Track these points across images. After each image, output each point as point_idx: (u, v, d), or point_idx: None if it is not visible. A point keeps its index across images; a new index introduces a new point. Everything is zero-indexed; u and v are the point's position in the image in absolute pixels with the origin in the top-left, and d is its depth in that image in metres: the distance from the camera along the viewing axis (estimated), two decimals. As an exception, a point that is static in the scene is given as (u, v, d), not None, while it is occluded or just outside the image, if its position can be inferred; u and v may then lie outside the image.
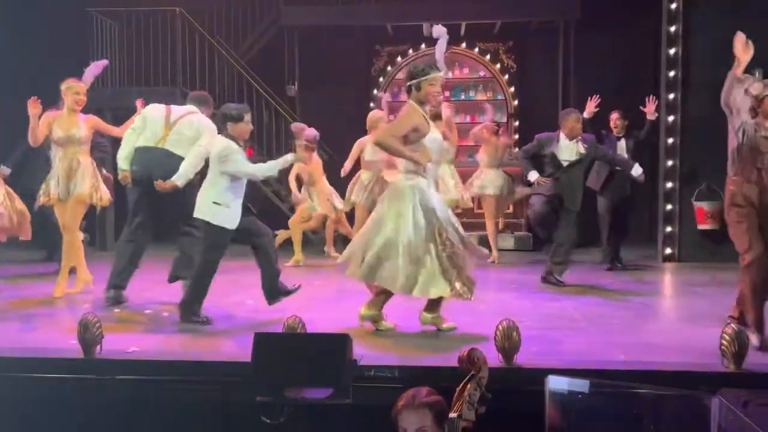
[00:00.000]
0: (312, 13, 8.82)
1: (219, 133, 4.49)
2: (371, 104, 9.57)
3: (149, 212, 4.82)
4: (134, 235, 4.87)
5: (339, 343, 2.81)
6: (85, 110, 5.35)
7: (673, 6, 7.09)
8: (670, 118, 7.12)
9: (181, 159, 4.60)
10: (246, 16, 9.17)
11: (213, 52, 8.47)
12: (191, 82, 8.38)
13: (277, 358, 2.82)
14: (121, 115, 5.94)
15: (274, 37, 9.13)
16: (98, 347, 3.21)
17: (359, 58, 9.54)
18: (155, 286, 5.29)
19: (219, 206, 4.12)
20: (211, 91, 7.41)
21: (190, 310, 4.19)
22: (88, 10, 8.40)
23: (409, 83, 3.90)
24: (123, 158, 4.77)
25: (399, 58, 9.60)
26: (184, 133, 4.70)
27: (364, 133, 10.12)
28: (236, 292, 5.15)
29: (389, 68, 9.62)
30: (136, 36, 8.43)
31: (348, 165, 6.87)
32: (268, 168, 4.33)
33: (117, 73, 8.63)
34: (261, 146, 8.62)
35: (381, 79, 9.65)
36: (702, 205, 6.93)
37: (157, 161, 4.63)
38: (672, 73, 7.10)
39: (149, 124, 4.78)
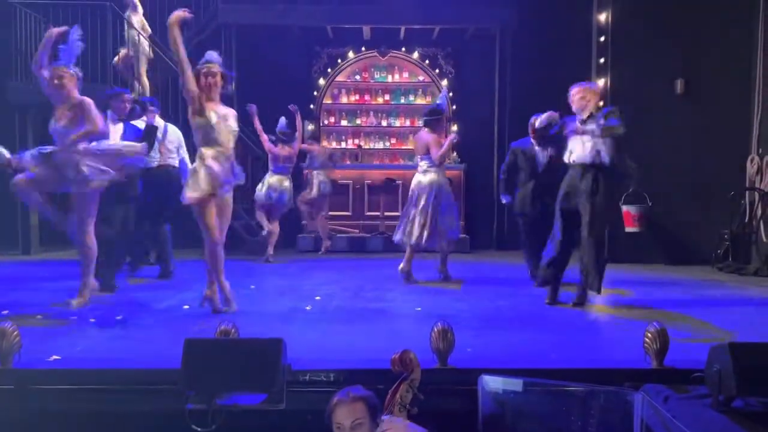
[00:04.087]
0: (250, 11, 8.69)
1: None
2: (311, 105, 9.51)
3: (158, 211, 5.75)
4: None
5: (272, 347, 2.76)
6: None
7: (602, 17, 7.37)
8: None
9: (174, 168, 5.87)
10: (182, 13, 8.92)
11: (147, 49, 8.20)
12: (123, 80, 8.09)
13: (209, 364, 2.73)
14: (48, 113, 5.65)
15: (211, 35, 8.93)
16: (16, 356, 3.04)
17: (299, 59, 9.47)
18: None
19: None
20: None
21: None
22: (11, 2, 7.99)
23: None
24: None
25: (339, 60, 9.59)
26: (171, 145, 5.90)
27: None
28: (170, 298, 5.01)
29: (329, 70, 9.59)
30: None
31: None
32: None
33: (43, 68, 8.22)
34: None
35: (321, 80, 9.61)
36: (629, 209, 7.21)
37: (164, 180, 5.73)
38: (601, 81, 7.37)
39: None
